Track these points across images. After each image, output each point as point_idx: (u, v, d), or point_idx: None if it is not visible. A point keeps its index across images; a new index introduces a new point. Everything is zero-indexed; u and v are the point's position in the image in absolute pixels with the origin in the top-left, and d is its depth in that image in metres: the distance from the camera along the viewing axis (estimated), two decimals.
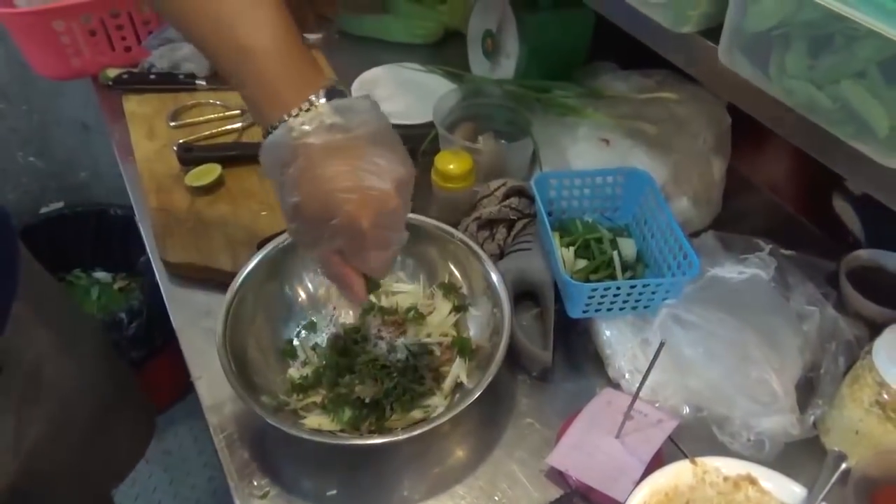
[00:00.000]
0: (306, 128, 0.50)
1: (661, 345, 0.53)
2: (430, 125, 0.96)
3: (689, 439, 0.67)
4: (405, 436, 0.60)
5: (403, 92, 1.11)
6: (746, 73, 0.42)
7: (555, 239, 0.73)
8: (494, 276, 0.72)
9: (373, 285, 0.59)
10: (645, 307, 0.70)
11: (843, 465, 0.57)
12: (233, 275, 0.72)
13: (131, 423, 0.95)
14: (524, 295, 0.80)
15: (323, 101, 0.51)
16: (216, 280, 0.81)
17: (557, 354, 0.73)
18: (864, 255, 0.78)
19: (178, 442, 1.61)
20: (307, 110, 0.51)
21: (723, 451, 0.65)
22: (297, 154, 0.50)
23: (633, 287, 0.68)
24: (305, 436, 0.60)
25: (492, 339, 0.69)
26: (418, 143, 0.98)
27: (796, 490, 0.58)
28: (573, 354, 0.76)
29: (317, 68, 0.54)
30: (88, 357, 0.84)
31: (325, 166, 0.50)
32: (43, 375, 0.74)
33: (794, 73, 0.39)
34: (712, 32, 0.47)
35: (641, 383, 0.57)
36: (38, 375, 0.74)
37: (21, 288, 0.72)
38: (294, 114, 0.51)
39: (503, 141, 0.95)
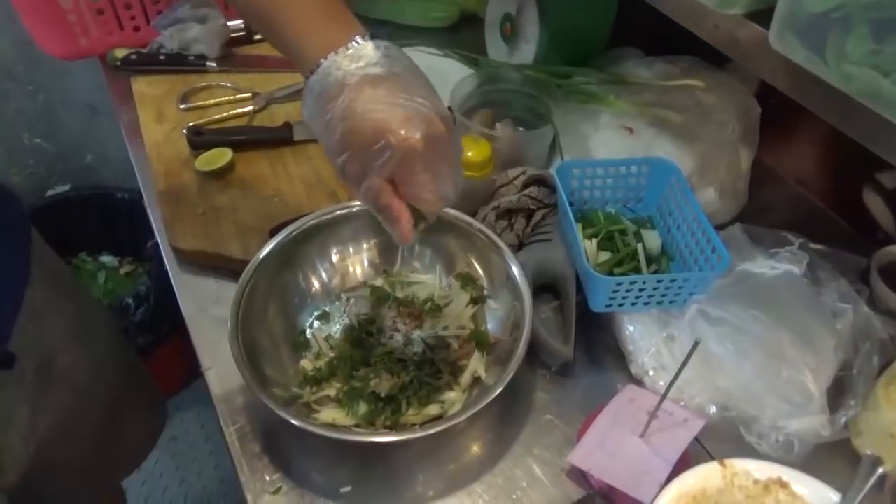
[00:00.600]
0: (353, 65, 0.52)
1: (696, 344, 0.51)
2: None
3: (714, 439, 0.64)
4: (422, 434, 0.58)
5: None
6: (800, 57, 0.40)
7: (577, 230, 0.71)
8: (514, 269, 0.69)
9: (419, 219, 0.57)
10: (671, 302, 0.68)
11: (880, 471, 0.55)
12: (244, 262, 0.70)
13: (143, 412, 0.93)
14: (543, 287, 0.77)
15: (368, 41, 0.53)
16: (227, 267, 0.79)
17: (577, 349, 0.71)
18: (895, 250, 0.76)
19: (185, 428, 1.60)
20: (351, 50, 0.52)
21: (749, 451, 0.63)
22: (346, 85, 0.51)
23: (659, 281, 0.65)
24: (319, 431, 0.59)
25: (512, 334, 0.67)
26: None
27: (829, 495, 0.56)
28: (593, 349, 0.74)
29: (352, 16, 0.56)
30: (100, 345, 0.83)
31: (376, 91, 0.51)
32: (56, 364, 0.73)
33: (855, 59, 0.36)
34: (759, 15, 0.44)
35: (671, 383, 0.55)
36: (51, 364, 0.72)
37: (34, 274, 0.70)
38: (339, 52, 0.52)
39: (521, 128, 0.92)
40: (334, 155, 0.54)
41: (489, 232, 0.73)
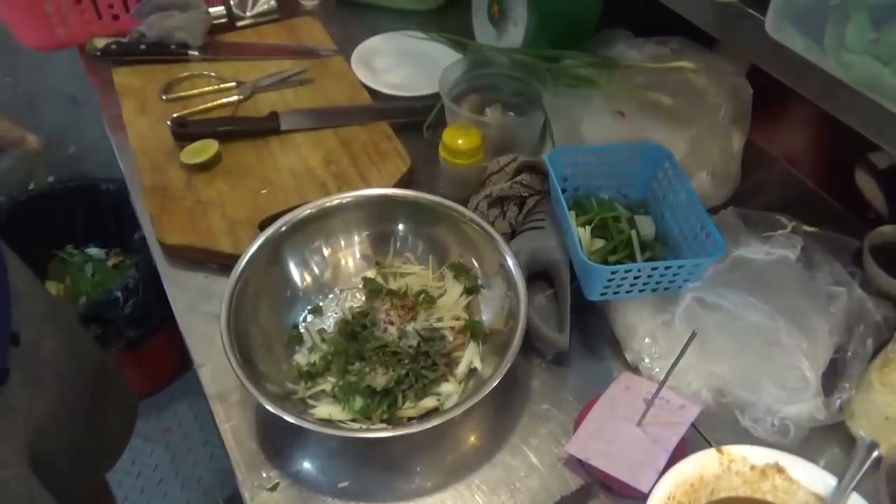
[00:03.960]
0: None
1: (693, 335, 0.51)
2: (434, 97, 0.92)
3: (709, 425, 0.65)
4: (419, 428, 0.58)
5: (405, 62, 1.07)
6: (797, 46, 0.39)
7: (571, 218, 0.70)
8: (508, 258, 0.69)
9: None
10: (665, 289, 0.67)
11: (875, 454, 0.55)
12: (234, 257, 0.69)
13: (118, 397, 0.94)
14: (537, 275, 0.77)
15: None
16: (216, 262, 0.78)
17: (572, 337, 0.71)
18: (888, 231, 0.76)
19: (179, 419, 1.60)
20: None
21: (744, 436, 0.63)
22: None
23: (654, 269, 0.65)
24: (315, 428, 0.58)
25: (507, 324, 0.67)
26: (423, 116, 0.94)
27: (826, 479, 0.56)
28: (588, 337, 0.74)
29: None
30: (74, 331, 0.83)
31: None
32: (42, 351, 0.73)
33: (854, 47, 0.35)
34: (756, 1, 0.43)
35: (668, 373, 0.55)
36: (38, 350, 0.72)
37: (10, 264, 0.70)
38: None
39: (512, 114, 0.91)
40: None
41: (481, 221, 0.72)
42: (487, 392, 0.59)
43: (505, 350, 0.62)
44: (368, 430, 0.62)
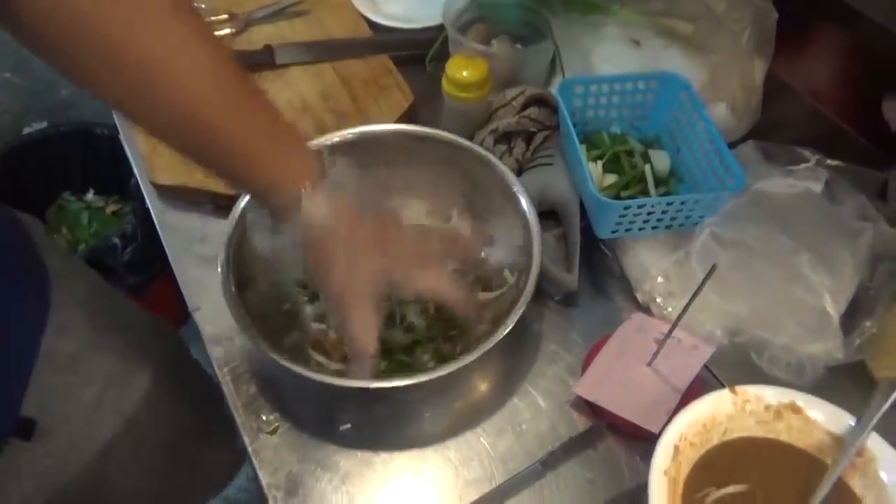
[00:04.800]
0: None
1: (713, 268, 0.47)
2: (438, 29, 0.87)
3: (723, 366, 0.62)
4: (427, 377, 0.55)
5: None
6: None
7: (582, 152, 0.67)
8: (522, 199, 0.65)
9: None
10: (681, 225, 0.64)
11: None
12: (228, 197, 0.66)
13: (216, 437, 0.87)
14: (545, 214, 0.73)
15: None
16: (211, 203, 0.75)
17: (582, 277, 0.68)
18: None
19: None
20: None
21: (759, 377, 0.61)
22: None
23: (669, 204, 0.62)
24: (319, 378, 0.55)
25: (518, 268, 0.63)
26: (425, 49, 0.89)
27: (845, 419, 0.54)
28: (598, 277, 0.71)
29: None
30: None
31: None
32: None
33: None
34: None
35: (685, 309, 0.52)
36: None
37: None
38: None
39: (519, 45, 0.86)
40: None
41: (491, 157, 0.68)
42: (501, 337, 0.56)
43: (517, 296, 0.59)
44: (377, 379, 0.59)
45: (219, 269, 0.59)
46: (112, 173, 1.55)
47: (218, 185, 0.74)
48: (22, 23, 0.39)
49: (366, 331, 0.53)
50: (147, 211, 0.78)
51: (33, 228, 0.66)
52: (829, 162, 0.69)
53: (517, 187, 0.65)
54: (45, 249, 0.65)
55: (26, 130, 1.57)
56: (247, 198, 0.64)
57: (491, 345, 0.56)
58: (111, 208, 1.59)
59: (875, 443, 0.53)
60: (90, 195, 1.60)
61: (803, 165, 0.64)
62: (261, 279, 0.63)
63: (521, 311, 0.58)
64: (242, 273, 0.61)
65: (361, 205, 0.52)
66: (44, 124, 1.58)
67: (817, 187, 0.60)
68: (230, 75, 0.45)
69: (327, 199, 0.50)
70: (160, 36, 0.41)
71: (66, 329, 0.61)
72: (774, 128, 0.81)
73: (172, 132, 0.46)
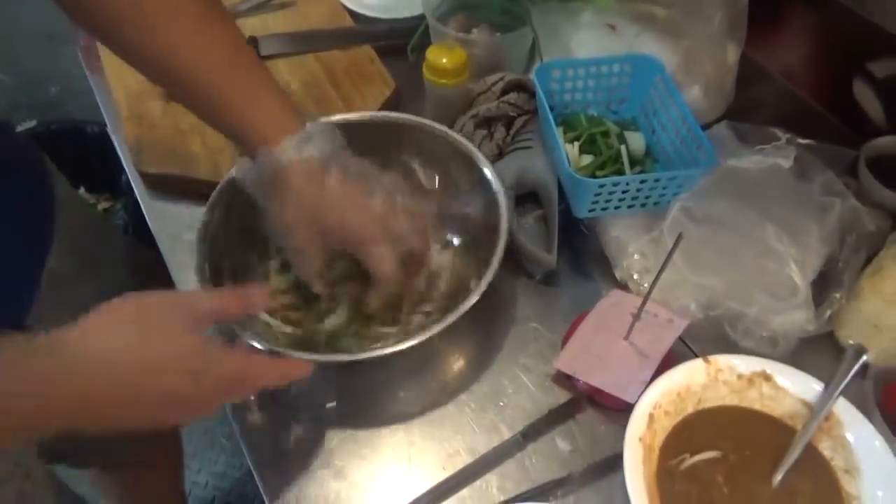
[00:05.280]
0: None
1: (679, 237, 0.49)
2: (419, 18, 0.88)
3: (698, 339, 0.64)
4: (400, 347, 0.57)
5: None
6: None
7: (559, 134, 0.68)
8: (487, 171, 0.66)
9: None
10: (655, 203, 0.66)
11: (863, 359, 0.55)
12: (214, 185, 0.67)
13: None
14: (526, 196, 0.75)
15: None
16: (197, 191, 0.75)
17: (561, 257, 0.69)
18: (884, 142, 0.74)
19: None
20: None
21: (734, 349, 0.63)
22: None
23: (643, 182, 0.63)
24: (286, 352, 0.56)
25: (488, 237, 0.65)
26: (407, 38, 0.91)
27: (813, 385, 0.56)
28: (578, 256, 0.72)
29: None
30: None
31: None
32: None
33: None
34: None
35: (655, 281, 0.54)
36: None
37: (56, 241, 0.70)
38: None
39: (499, 33, 0.88)
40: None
41: (456, 136, 0.69)
42: (473, 304, 0.58)
43: (487, 264, 0.61)
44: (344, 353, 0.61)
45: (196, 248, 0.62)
46: (102, 171, 1.56)
47: (202, 173, 0.76)
48: None
49: (310, 259, 0.58)
50: (138, 207, 0.79)
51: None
52: (800, 140, 0.70)
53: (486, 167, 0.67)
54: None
55: (16, 129, 1.57)
56: (226, 180, 0.66)
57: (459, 314, 0.57)
58: (102, 205, 1.60)
59: (842, 407, 0.55)
60: (81, 192, 1.61)
61: (773, 143, 0.65)
62: (233, 260, 0.65)
63: (492, 273, 0.59)
64: (217, 257, 0.63)
65: (334, 161, 0.56)
66: (33, 123, 1.58)
67: (786, 163, 0.62)
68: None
69: (296, 143, 0.54)
70: None
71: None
72: (748, 109, 0.82)
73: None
